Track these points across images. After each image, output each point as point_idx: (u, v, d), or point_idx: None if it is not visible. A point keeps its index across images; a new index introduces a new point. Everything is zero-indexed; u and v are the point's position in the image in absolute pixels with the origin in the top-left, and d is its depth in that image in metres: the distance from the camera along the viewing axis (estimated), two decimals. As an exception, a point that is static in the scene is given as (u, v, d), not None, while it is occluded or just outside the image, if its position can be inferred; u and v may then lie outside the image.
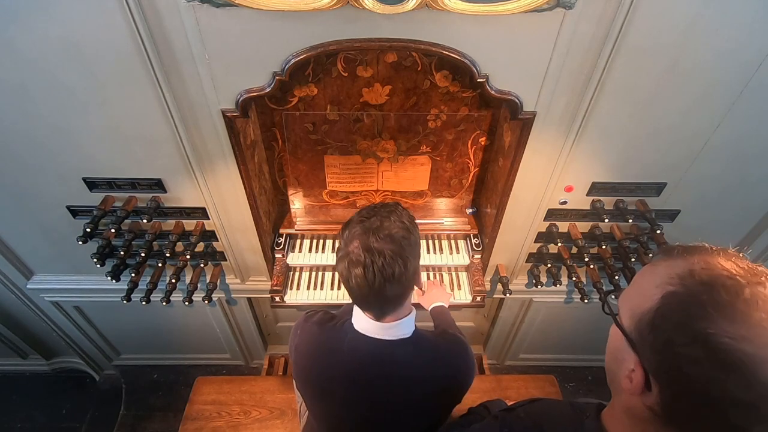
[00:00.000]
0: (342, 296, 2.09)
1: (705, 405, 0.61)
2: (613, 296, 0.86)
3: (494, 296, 2.27)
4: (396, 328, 1.20)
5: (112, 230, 1.64)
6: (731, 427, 0.60)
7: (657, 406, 0.67)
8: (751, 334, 0.57)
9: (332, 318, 1.34)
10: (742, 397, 0.57)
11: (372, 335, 1.20)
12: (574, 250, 1.93)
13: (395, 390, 1.22)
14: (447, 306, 1.75)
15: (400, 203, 1.27)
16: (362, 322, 1.22)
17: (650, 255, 1.81)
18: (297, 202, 2.04)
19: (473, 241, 2.09)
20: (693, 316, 0.61)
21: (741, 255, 0.67)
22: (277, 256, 2.08)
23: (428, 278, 2.15)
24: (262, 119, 1.72)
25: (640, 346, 0.68)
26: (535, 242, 1.97)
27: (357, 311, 1.24)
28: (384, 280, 1.08)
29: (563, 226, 1.89)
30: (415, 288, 1.27)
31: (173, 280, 1.94)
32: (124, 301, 1.94)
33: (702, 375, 0.59)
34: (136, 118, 1.40)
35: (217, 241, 1.92)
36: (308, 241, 2.14)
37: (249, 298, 2.37)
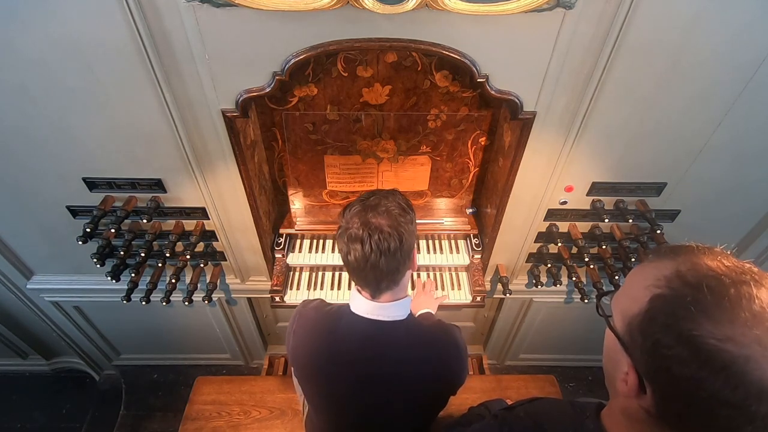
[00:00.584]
0: (342, 296, 2.09)
1: (695, 406, 0.61)
2: (606, 298, 0.87)
3: (494, 296, 2.27)
4: (391, 309, 1.24)
5: (112, 230, 1.64)
6: (722, 428, 0.60)
7: (652, 408, 0.67)
8: (736, 334, 0.57)
9: (329, 304, 1.38)
10: (730, 397, 0.57)
11: (367, 315, 1.23)
12: (574, 250, 1.93)
13: (389, 370, 1.25)
14: (434, 313, 1.76)
15: (398, 189, 1.32)
16: (358, 302, 1.25)
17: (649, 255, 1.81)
18: (297, 202, 2.04)
19: (473, 241, 2.09)
20: (679, 318, 0.61)
21: (728, 253, 0.68)
22: (277, 256, 2.08)
23: (428, 277, 2.15)
24: (262, 119, 1.72)
25: (632, 349, 0.68)
26: (535, 242, 1.97)
27: (354, 293, 1.27)
28: (380, 253, 1.13)
29: (563, 226, 1.89)
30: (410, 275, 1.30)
31: (173, 280, 1.94)
32: (124, 301, 1.94)
33: (690, 376, 0.60)
34: (135, 118, 1.40)
35: (217, 241, 1.92)
36: (308, 241, 2.14)
37: (249, 298, 2.37)
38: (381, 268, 1.15)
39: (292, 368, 1.40)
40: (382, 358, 1.24)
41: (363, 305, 1.24)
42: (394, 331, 1.25)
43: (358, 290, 1.26)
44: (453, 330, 1.36)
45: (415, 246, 1.26)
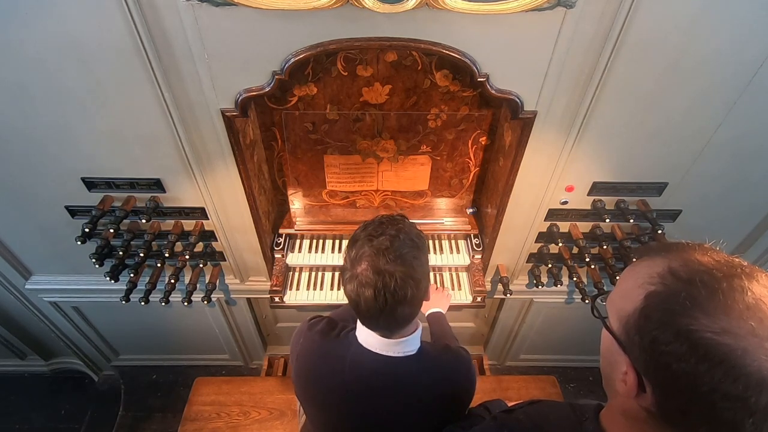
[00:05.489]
0: (342, 297, 2.08)
1: (696, 401, 0.61)
2: (601, 299, 0.87)
3: (495, 296, 2.27)
4: (402, 345, 1.18)
5: (111, 230, 1.63)
6: (724, 422, 0.60)
7: (653, 407, 0.67)
8: (732, 326, 0.58)
9: (335, 327, 1.30)
10: (731, 389, 0.57)
11: (376, 351, 1.18)
12: (575, 250, 1.92)
13: (395, 405, 1.20)
14: (444, 312, 1.74)
15: (406, 217, 1.22)
16: (367, 336, 1.19)
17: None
18: (296, 202, 2.03)
19: (473, 241, 2.08)
20: (675, 314, 0.62)
21: (717, 248, 0.68)
22: (276, 256, 2.07)
23: (435, 280, 2.14)
24: (261, 119, 1.71)
25: (630, 348, 0.68)
26: (535, 242, 1.96)
27: (361, 326, 1.20)
28: (396, 303, 1.06)
29: (564, 226, 1.88)
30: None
31: (172, 281, 1.93)
32: (123, 302, 1.93)
33: (689, 371, 0.60)
34: (135, 118, 1.40)
35: (217, 241, 1.91)
36: (308, 241, 2.13)
37: (248, 299, 2.36)
38: (396, 316, 1.09)
39: (295, 388, 1.35)
40: (392, 393, 1.19)
41: (371, 340, 1.18)
42: (405, 366, 1.19)
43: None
44: (463, 353, 1.32)
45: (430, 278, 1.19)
